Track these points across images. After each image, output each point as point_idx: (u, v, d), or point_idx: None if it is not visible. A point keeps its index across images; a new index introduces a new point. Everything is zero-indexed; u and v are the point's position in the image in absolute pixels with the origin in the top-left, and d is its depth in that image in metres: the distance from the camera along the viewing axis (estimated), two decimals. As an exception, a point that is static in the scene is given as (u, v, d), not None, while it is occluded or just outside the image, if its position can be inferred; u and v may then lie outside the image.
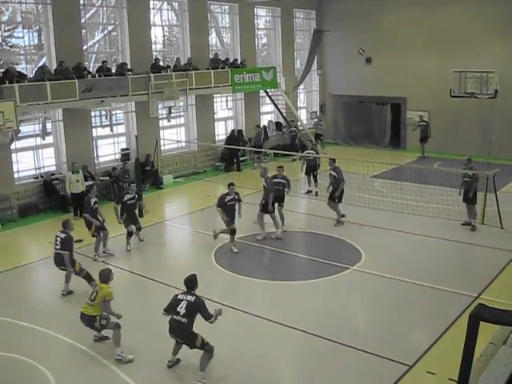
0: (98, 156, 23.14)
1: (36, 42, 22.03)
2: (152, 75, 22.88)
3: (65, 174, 20.82)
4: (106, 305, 10.09)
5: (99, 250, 15.53)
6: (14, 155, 20.12)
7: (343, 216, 18.07)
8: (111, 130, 23.77)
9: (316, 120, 31.78)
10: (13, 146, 19.87)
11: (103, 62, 22.24)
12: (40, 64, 21.35)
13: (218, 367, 9.72)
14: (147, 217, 17.95)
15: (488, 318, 2.95)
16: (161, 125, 25.45)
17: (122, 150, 24.05)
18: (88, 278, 12.91)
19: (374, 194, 20.91)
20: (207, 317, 9.20)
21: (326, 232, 17.41)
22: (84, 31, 22.51)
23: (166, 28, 27.17)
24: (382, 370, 9.77)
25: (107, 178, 22.12)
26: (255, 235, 17.01)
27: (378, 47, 30.70)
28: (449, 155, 26.66)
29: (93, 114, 22.78)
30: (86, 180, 20.22)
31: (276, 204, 17.35)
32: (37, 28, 21.84)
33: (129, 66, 22.87)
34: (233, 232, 15.80)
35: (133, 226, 16.03)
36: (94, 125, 22.98)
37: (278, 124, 31.92)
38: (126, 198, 15.77)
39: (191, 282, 9.53)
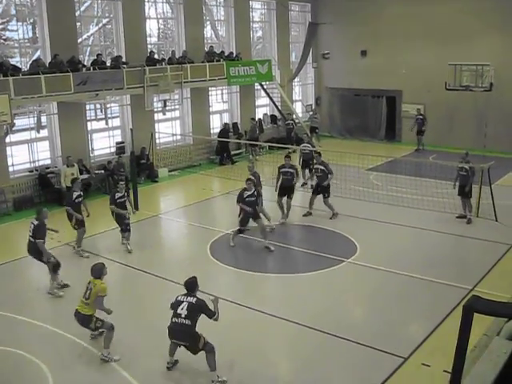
0: (93, 149, 23.12)
1: (30, 35, 21.94)
2: (147, 68, 22.81)
3: (60, 167, 20.82)
4: (98, 300, 9.78)
5: (81, 244, 15.33)
6: (8, 149, 20.08)
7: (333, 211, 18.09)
8: (106, 124, 23.70)
9: (311, 113, 31.77)
10: (7, 140, 19.84)
11: (98, 54, 22.17)
12: (34, 57, 21.27)
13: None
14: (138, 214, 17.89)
15: (482, 309, 2.96)
16: (156, 118, 25.41)
17: (117, 143, 24.01)
18: (55, 267, 12.83)
19: (370, 186, 20.93)
20: (211, 315, 9.09)
21: (321, 225, 17.43)
22: (78, 24, 22.46)
23: (160, 21, 27.12)
24: (378, 363, 9.81)
25: (102, 171, 22.10)
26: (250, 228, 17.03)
27: (374, 40, 30.68)
28: (444, 148, 26.71)
29: (88, 107, 22.74)
30: (81, 173, 20.24)
31: (285, 196, 17.45)
32: (31, 21, 21.75)
33: (124, 59, 22.80)
34: (241, 231, 15.73)
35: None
36: (88, 118, 22.94)
37: (273, 117, 31.90)
38: (116, 197, 15.30)
39: (192, 285, 9.35)
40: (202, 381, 9.31)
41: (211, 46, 27.20)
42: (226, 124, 28.03)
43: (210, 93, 28.15)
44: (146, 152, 23.75)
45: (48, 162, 21.59)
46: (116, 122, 24.54)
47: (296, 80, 33.72)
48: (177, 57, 25.05)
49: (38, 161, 21.27)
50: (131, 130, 21.08)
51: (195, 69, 25.10)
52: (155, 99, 24.38)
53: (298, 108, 33.71)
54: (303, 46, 33.03)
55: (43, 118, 21.85)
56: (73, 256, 15.17)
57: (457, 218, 17.52)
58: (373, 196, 19.73)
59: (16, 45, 21.70)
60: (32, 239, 12.81)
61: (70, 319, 10.18)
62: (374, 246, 15.51)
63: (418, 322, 11.63)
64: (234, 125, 29.23)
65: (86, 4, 23.39)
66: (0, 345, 10.52)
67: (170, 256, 15.75)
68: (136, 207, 19.11)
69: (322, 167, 17.94)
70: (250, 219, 15.53)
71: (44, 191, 20.47)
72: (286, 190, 17.38)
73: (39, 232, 12.77)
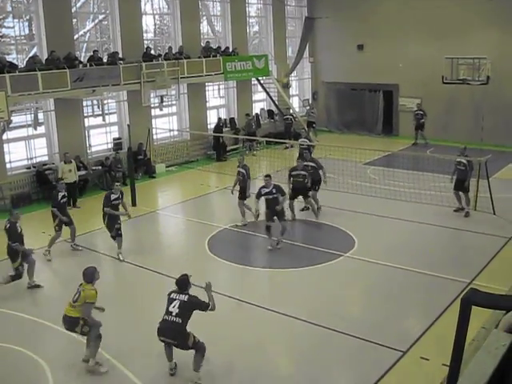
0: (90, 145, 23.09)
1: (27, 31, 21.90)
2: (144, 64, 22.80)
3: (57, 164, 20.79)
4: (85, 307, 9.27)
5: (52, 245, 15.05)
6: (5, 146, 20.07)
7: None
8: (103, 120, 23.68)
9: (308, 108, 31.77)
10: (4, 137, 19.82)
11: (94, 51, 22.16)
12: (31, 54, 21.24)
13: (213, 355, 9.75)
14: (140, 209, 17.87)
15: (480, 302, 2.97)
16: (153, 114, 25.39)
17: (115, 139, 24.00)
18: (14, 278, 12.76)
19: (367, 181, 20.95)
20: (205, 308, 8.91)
21: (319, 219, 17.43)
22: (75, 20, 22.43)
23: (157, 16, 27.08)
24: (376, 356, 9.83)
25: (100, 167, 22.11)
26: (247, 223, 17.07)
27: (370, 34, 30.61)
28: (441, 142, 26.71)
29: (85, 103, 22.73)
30: (78, 170, 20.24)
31: (297, 199, 17.11)
32: (27, 18, 21.70)
33: (120, 55, 22.76)
34: (268, 228, 15.09)
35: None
36: (85, 114, 22.94)
37: (270, 112, 31.89)
38: (112, 198, 14.67)
39: (183, 283, 9.09)
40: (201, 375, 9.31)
41: (208, 42, 27.16)
42: (219, 119, 27.93)
43: (206, 88, 28.15)
44: (143, 148, 23.74)
45: (45, 158, 21.59)
46: (113, 118, 24.51)
47: (293, 75, 33.67)
48: (173, 52, 25.02)
49: (36, 157, 21.27)
50: (128, 125, 21.05)
51: (192, 64, 25.08)
52: (152, 95, 24.36)
53: (295, 103, 33.69)
54: (300, 40, 33.00)
55: (40, 115, 21.84)
56: (70, 253, 15.18)
57: (454, 211, 17.54)
58: (370, 190, 19.75)
59: (12, 42, 21.68)
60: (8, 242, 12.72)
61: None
62: (371, 240, 15.53)
63: (417, 315, 11.67)
64: (231, 120, 29.22)
65: (82, 0, 23.34)
66: (2, 342, 10.53)
67: (168, 252, 15.75)
68: (134, 203, 19.16)
69: (313, 164, 17.69)
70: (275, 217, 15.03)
71: (42, 188, 20.44)
72: (298, 192, 16.93)
73: (10, 234, 12.71)
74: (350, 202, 18.62)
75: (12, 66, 19.14)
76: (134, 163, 21.29)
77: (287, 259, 14.66)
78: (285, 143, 26.92)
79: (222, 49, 27.63)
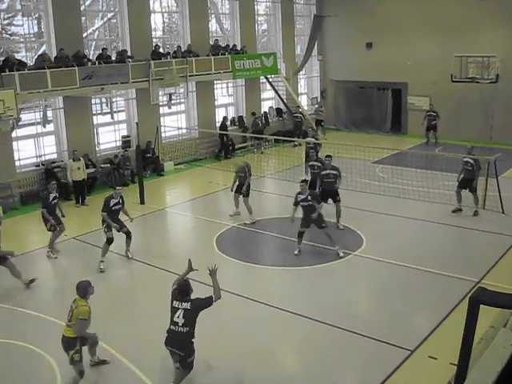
0: (98, 143, 23.17)
1: (36, 29, 21.95)
2: (152, 62, 22.82)
3: (66, 161, 20.87)
4: (78, 324, 8.72)
5: (53, 244, 15.09)
6: (14, 143, 20.13)
7: None
8: (112, 118, 23.75)
9: (317, 106, 31.73)
10: (13, 134, 19.90)
11: (103, 49, 22.19)
12: (40, 52, 21.31)
13: (221, 354, 9.77)
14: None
15: (488, 301, 2.97)
16: (161, 112, 25.41)
17: (123, 137, 24.05)
18: None
19: (376, 179, 20.92)
20: (210, 303, 8.66)
21: (326, 218, 17.34)
22: (84, 18, 22.44)
23: (165, 14, 27.08)
24: (384, 355, 9.82)
25: (108, 165, 22.14)
26: (255, 221, 17.07)
27: (379, 32, 30.53)
28: (450, 140, 26.61)
29: (93, 101, 22.79)
30: (87, 167, 20.29)
31: (330, 200, 16.37)
32: (36, 16, 21.76)
33: (129, 53, 22.81)
34: (300, 234, 14.58)
35: (112, 232, 14.27)
36: (94, 112, 23.00)
37: (278, 110, 31.87)
38: (111, 204, 14.31)
39: (184, 289, 8.74)
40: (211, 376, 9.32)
41: (216, 40, 27.16)
42: (224, 118, 27.79)
43: (215, 86, 28.14)
44: (151, 146, 23.77)
45: (54, 156, 21.66)
46: (122, 116, 24.55)
47: (301, 73, 33.65)
48: (182, 50, 25.03)
49: (45, 155, 21.34)
50: (137, 123, 21.09)
51: (200, 62, 25.09)
52: (160, 93, 24.39)
53: (304, 101, 33.65)
54: (308, 38, 32.95)
55: (49, 113, 21.88)
56: (79, 250, 15.22)
57: (452, 212, 17.37)
58: (379, 189, 19.71)
59: (21, 40, 21.74)
60: None
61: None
62: (380, 239, 15.48)
63: (425, 314, 11.63)
64: (240, 118, 29.23)
65: (91, -2, 23.41)
66: (10, 338, 10.59)
67: (176, 249, 15.75)
68: (142, 201, 19.21)
69: (319, 164, 17.46)
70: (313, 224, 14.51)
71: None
72: (327, 194, 16.15)
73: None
74: (358, 200, 18.58)
75: (21, 64, 19.20)
76: (143, 161, 21.32)
77: (295, 257, 14.63)
78: (293, 141, 26.88)
79: (230, 47, 27.60)
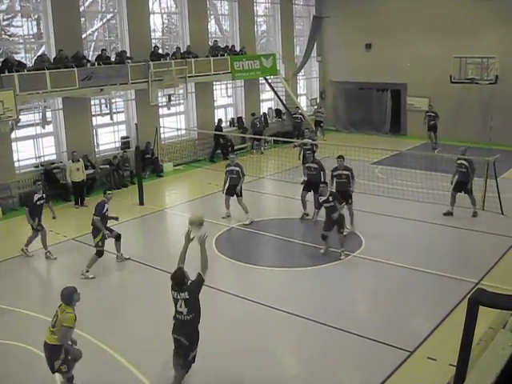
0: (98, 144, 23.15)
1: (35, 30, 21.96)
2: (151, 63, 22.82)
3: (65, 162, 20.86)
4: (62, 331, 8.28)
5: (46, 244, 14.97)
6: (14, 144, 20.13)
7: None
8: (111, 119, 23.74)
9: (316, 107, 31.74)
10: (13, 135, 19.88)
11: (102, 50, 22.19)
12: (39, 53, 21.31)
13: (219, 354, 9.77)
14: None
15: (487, 302, 2.97)
16: (160, 112, 25.42)
17: (122, 138, 24.05)
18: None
19: (375, 180, 20.91)
20: (201, 280, 8.56)
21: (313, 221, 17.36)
22: (83, 19, 22.44)
23: (165, 15, 27.09)
24: (383, 356, 9.82)
25: (107, 166, 22.14)
26: (254, 222, 17.06)
27: (378, 33, 30.55)
28: (449, 141, 26.61)
29: (92, 102, 22.78)
30: (86, 168, 20.29)
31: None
32: (36, 17, 21.76)
33: (128, 54, 22.80)
34: (323, 237, 14.40)
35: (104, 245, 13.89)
36: (93, 113, 22.99)
37: (277, 111, 31.88)
38: (104, 209, 14.00)
39: (179, 279, 8.62)
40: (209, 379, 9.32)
41: (215, 41, 27.18)
42: (219, 120, 27.52)
43: (214, 87, 28.16)
44: (150, 147, 23.77)
45: (53, 157, 21.65)
46: (121, 117, 24.55)
47: (300, 74, 33.67)
48: (181, 51, 25.04)
49: (44, 156, 21.34)
50: (136, 124, 21.08)
51: (199, 63, 25.09)
52: (160, 94, 24.35)
53: (303, 102, 33.67)
54: (307, 39, 32.97)
55: (48, 114, 21.91)
56: (77, 251, 15.21)
57: (444, 214, 17.32)
58: (378, 190, 19.70)
59: (21, 41, 21.74)
60: None
61: (78, 313, 10.17)
62: (379, 240, 15.48)
63: (424, 315, 11.63)
64: (239, 119, 29.23)
65: (90, -1, 23.43)
66: (9, 339, 10.58)
67: (176, 250, 15.58)
68: (141, 202, 19.22)
69: (315, 165, 17.25)
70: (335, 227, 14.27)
71: (49, 186, 20.46)
72: (340, 195, 14.87)
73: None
74: (357, 201, 18.44)
75: (20, 65, 19.19)
76: (142, 162, 21.33)
77: (294, 258, 14.66)
78: (292, 142, 26.87)
79: (230, 47, 27.59)
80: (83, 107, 21.89)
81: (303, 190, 17.45)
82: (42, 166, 20.86)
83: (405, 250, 14.76)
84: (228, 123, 28.99)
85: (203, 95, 27.04)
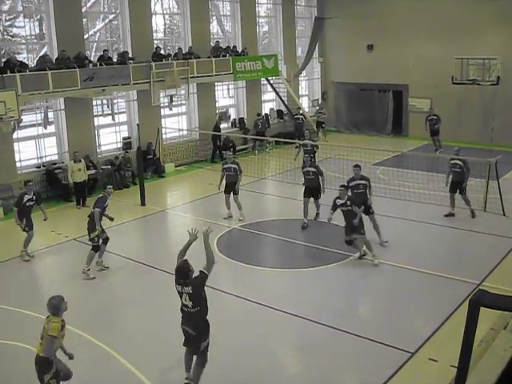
0: (99, 145, 23.17)
1: (37, 31, 21.97)
2: (153, 64, 22.84)
3: (67, 163, 20.87)
4: (46, 341, 7.93)
5: (27, 246, 14.90)
6: (15, 144, 20.17)
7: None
8: (113, 119, 23.79)
9: (318, 108, 31.73)
10: (15, 136, 19.91)
11: (104, 50, 22.22)
12: (41, 53, 21.32)
13: (219, 355, 9.76)
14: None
15: (488, 303, 2.97)
16: (162, 113, 25.43)
17: (124, 138, 24.07)
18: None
19: (376, 181, 20.84)
20: (204, 276, 8.61)
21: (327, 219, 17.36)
22: (85, 20, 22.48)
23: (166, 16, 27.12)
24: (385, 357, 9.80)
25: (109, 166, 22.16)
26: (256, 223, 17.05)
27: (380, 34, 30.57)
28: (451, 142, 26.55)
29: (94, 102, 22.80)
30: (88, 169, 20.30)
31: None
32: (38, 17, 21.78)
33: (130, 55, 22.84)
34: (349, 242, 14.02)
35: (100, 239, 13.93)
36: (95, 114, 23.01)
37: (279, 112, 31.89)
38: (105, 204, 13.97)
39: (184, 272, 8.68)
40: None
41: (217, 41, 27.20)
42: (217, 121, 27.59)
43: (216, 88, 28.17)
44: (152, 147, 23.77)
45: (55, 157, 21.69)
46: (123, 118, 24.57)
47: (302, 75, 33.66)
48: (183, 52, 25.05)
49: (46, 156, 21.37)
50: (138, 125, 21.13)
51: (201, 64, 25.11)
52: (162, 94, 24.38)
53: (305, 103, 33.66)
54: (309, 40, 32.97)
55: (50, 114, 21.92)
56: (78, 252, 15.19)
57: (445, 216, 17.31)
58: (380, 191, 19.63)
59: (23, 41, 21.78)
60: None
61: (79, 314, 10.21)
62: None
63: (425, 316, 11.62)
64: (241, 120, 29.24)
65: (93, 0, 23.40)
66: (9, 340, 10.58)
67: (177, 251, 15.65)
68: (143, 202, 19.22)
69: (314, 169, 16.98)
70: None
71: (51, 187, 20.54)
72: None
73: None
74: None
75: (22, 66, 19.22)
76: (144, 162, 21.34)
77: (296, 259, 14.66)
78: (293, 143, 26.85)
79: (231, 48, 27.60)
80: (85, 108, 21.91)
81: (304, 196, 17.08)
82: (43, 166, 20.88)
83: (406, 251, 14.75)
84: (230, 124, 28.99)
85: (205, 96, 27.06)
